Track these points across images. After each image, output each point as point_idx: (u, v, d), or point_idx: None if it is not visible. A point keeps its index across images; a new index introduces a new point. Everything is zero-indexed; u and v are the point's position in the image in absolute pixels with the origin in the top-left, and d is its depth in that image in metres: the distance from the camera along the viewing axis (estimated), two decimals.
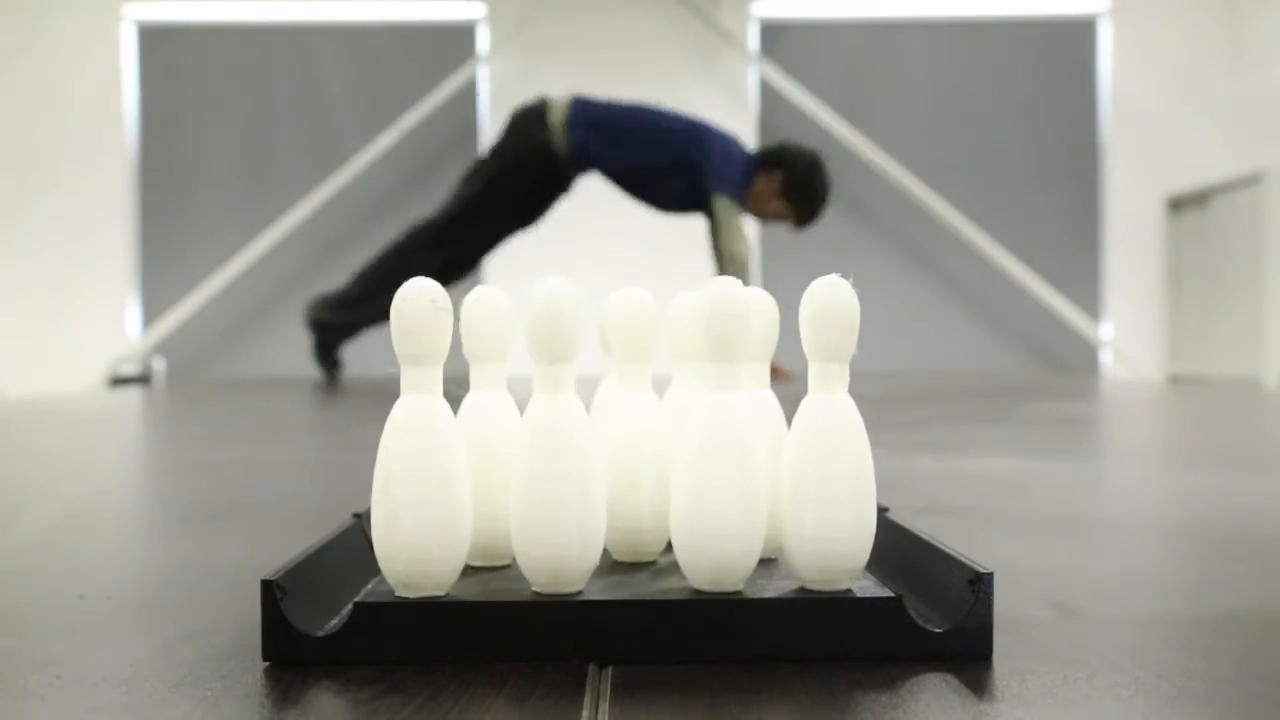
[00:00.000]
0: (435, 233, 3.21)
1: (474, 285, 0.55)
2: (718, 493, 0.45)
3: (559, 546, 0.46)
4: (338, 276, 5.32)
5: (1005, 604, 0.51)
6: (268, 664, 0.44)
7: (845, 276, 0.47)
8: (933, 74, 5.28)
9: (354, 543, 0.54)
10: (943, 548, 0.50)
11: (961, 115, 5.27)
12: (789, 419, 0.50)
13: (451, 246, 3.18)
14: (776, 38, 5.30)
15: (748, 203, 3.10)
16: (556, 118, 3.12)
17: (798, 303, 0.47)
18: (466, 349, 0.53)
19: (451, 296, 0.47)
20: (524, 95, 5.43)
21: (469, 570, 0.51)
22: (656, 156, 3.09)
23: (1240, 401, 2.49)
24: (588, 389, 0.53)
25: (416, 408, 0.46)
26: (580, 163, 3.13)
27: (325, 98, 5.30)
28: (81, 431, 1.83)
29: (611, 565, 0.53)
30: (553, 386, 0.47)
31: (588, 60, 5.25)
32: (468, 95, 5.31)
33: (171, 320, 5.03)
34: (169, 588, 0.63)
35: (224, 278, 5.04)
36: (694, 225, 5.33)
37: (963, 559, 0.47)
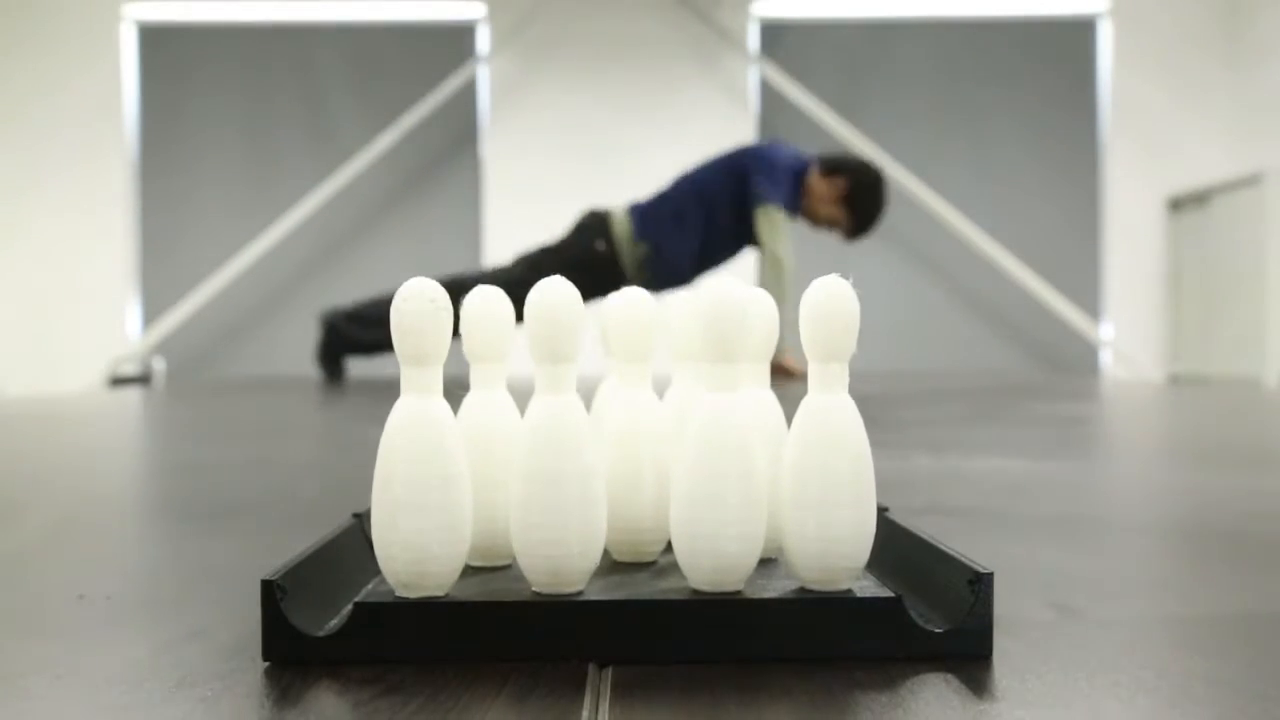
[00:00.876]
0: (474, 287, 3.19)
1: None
2: (718, 493, 0.45)
3: (559, 546, 0.46)
4: (338, 276, 5.35)
5: (1005, 604, 0.51)
6: (268, 664, 0.44)
7: (845, 276, 0.47)
8: (933, 74, 5.28)
9: (354, 543, 0.54)
10: (943, 548, 0.50)
11: (961, 115, 5.27)
12: (789, 419, 0.50)
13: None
14: (776, 38, 5.31)
15: (800, 205, 3.09)
16: (620, 230, 3.09)
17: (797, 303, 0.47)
18: (466, 349, 0.53)
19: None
20: (524, 95, 5.43)
21: (469, 570, 0.51)
22: (716, 208, 3.07)
23: (1240, 401, 2.49)
24: (588, 389, 0.53)
25: (416, 408, 0.46)
26: (653, 266, 3.10)
27: (325, 98, 5.30)
28: (81, 431, 1.83)
29: (611, 565, 0.53)
30: (553, 386, 0.47)
31: (588, 60, 5.25)
32: (468, 95, 5.31)
33: (171, 320, 5.04)
34: (169, 588, 0.63)
35: (224, 278, 5.04)
36: None
37: (963, 559, 0.47)
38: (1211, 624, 0.51)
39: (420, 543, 0.45)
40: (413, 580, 0.45)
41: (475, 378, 0.54)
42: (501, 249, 5.31)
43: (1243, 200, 4.70)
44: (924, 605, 0.49)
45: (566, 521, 0.46)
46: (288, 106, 5.31)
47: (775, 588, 0.47)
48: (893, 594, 0.46)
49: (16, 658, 0.47)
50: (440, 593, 0.46)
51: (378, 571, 0.50)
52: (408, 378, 0.47)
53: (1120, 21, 5.25)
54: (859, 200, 3.07)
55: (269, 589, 0.44)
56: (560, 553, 0.46)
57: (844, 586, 0.47)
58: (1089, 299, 5.23)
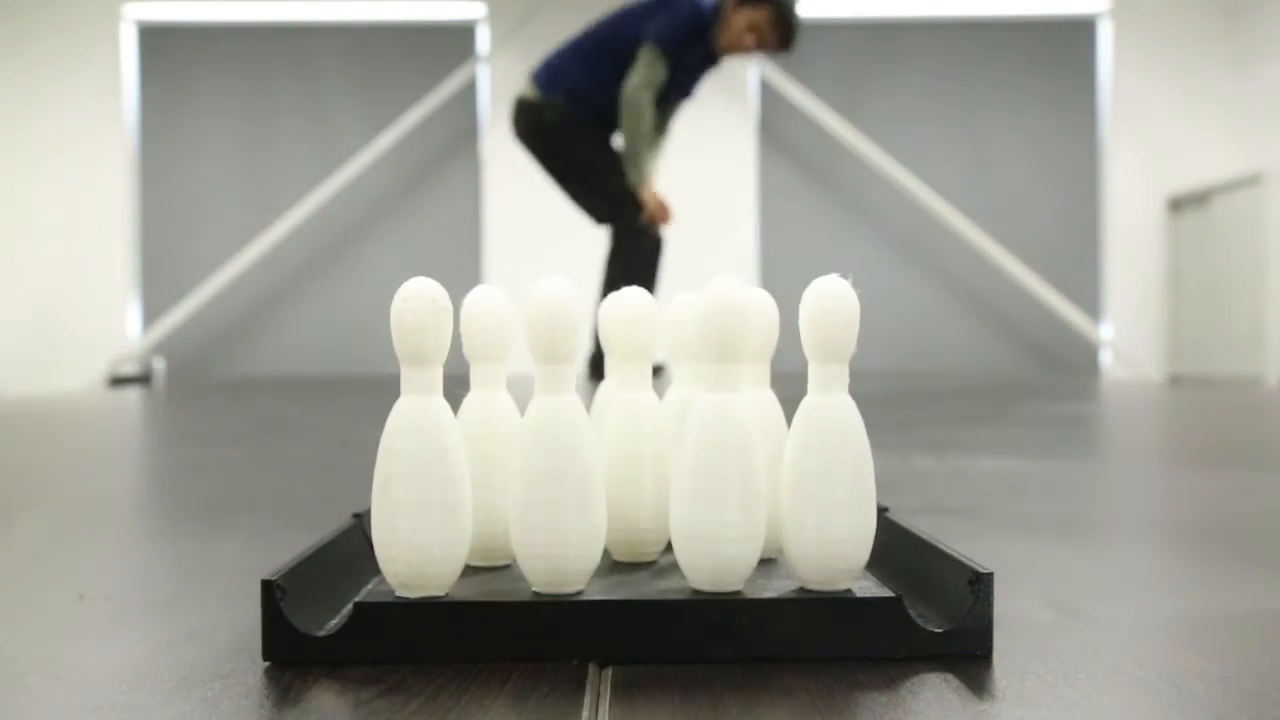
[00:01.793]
0: (618, 238, 3.24)
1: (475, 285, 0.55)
2: (717, 493, 0.45)
3: (559, 546, 0.46)
4: (338, 276, 5.35)
5: (1005, 604, 0.51)
6: (268, 664, 0.44)
7: (845, 276, 0.47)
8: (933, 74, 5.28)
9: (354, 543, 0.54)
10: (943, 548, 0.50)
11: (961, 115, 5.27)
12: (789, 419, 0.50)
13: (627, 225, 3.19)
14: None
15: (718, 41, 3.12)
16: (532, 96, 3.17)
17: (798, 303, 0.47)
18: (466, 349, 0.53)
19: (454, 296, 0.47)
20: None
21: (469, 570, 0.51)
22: (619, 46, 3.11)
23: (1240, 401, 2.49)
24: (587, 389, 0.53)
25: (416, 408, 0.46)
26: (577, 109, 3.15)
27: (325, 98, 5.30)
28: (81, 431, 1.83)
29: (611, 565, 0.53)
30: (553, 386, 0.47)
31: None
32: (468, 95, 5.31)
33: (171, 320, 5.04)
34: (169, 588, 0.63)
35: (224, 278, 5.04)
36: (694, 229, 5.32)
37: (963, 559, 0.47)
38: (1211, 624, 0.51)
39: (420, 543, 0.45)
40: (413, 580, 0.45)
41: (475, 378, 0.54)
42: (502, 249, 5.31)
43: (1243, 200, 4.70)
44: (924, 605, 0.49)
45: (566, 522, 0.46)
46: (288, 106, 5.31)
47: (775, 588, 0.47)
48: (893, 594, 0.46)
49: (16, 658, 0.47)
50: (440, 593, 0.46)
51: (378, 571, 0.50)
52: (408, 378, 0.47)
53: (1120, 21, 5.25)
54: (780, 11, 3.14)
55: (269, 589, 0.44)
56: (560, 553, 0.46)
57: (844, 586, 0.47)
58: (1089, 299, 5.23)
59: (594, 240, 4.84)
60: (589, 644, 0.44)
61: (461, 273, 5.10)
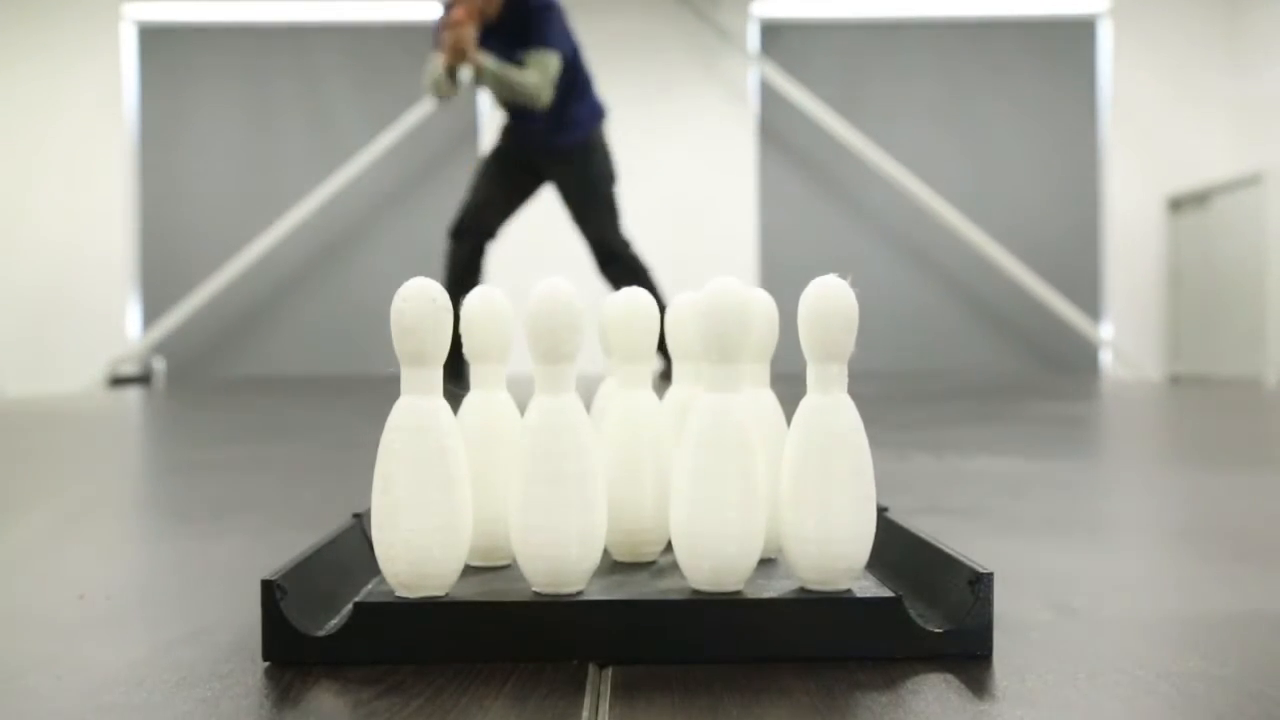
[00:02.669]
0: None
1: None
2: (717, 493, 0.45)
3: (559, 547, 0.46)
4: (338, 276, 5.35)
5: (1005, 604, 0.51)
6: (268, 664, 0.44)
7: (844, 276, 0.47)
8: (933, 74, 5.28)
9: (354, 543, 0.54)
10: (943, 548, 0.50)
11: (961, 115, 5.27)
12: (789, 419, 0.50)
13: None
14: (776, 37, 5.30)
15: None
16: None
17: (797, 303, 0.47)
18: (466, 349, 0.53)
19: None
20: None
21: (469, 570, 0.51)
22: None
23: (1240, 401, 2.49)
24: (588, 389, 0.53)
25: (416, 408, 0.46)
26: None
27: (325, 98, 5.30)
28: (81, 431, 1.83)
29: (611, 565, 0.53)
30: (553, 386, 0.47)
31: (587, 60, 5.24)
32: (468, 95, 5.31)
33: (171, 320, 5.04)
34: (169, 588, 0.63)
35: (224, 277, 5.04)
36: (694, 229, 5.31)
37: (963, 559, 0.47)
38: (1211, 624, 0.51)
39: (421, 543, 0.45)
40: (413, 580, 0.45)
41: (475, 378, 0.54)
42: (501, 249, 5.31)
43: (1243, 200, 4.70)
44: (924, 605, 0.49)
45: (566, 522, 0.46)
46: (288, 107, 5.31)
47: (775, 588, 0.47)
48: (893, 594, 0.46)
49: (17, 657, 0.47)
50: (440, 593, 0.46)
51: (378, 571, 0.50)
52: (408, 378, 0.47)
53: (1120, 21, 5.25)
54: None
55: (269, 589, 0.44)
56: (560, 553, 0.46)
57: (844, 586, 0.47)
58: (1089, 299, 5.23)
59: None
60: (589, 644, 0.44)
61: None
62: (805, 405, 0.47)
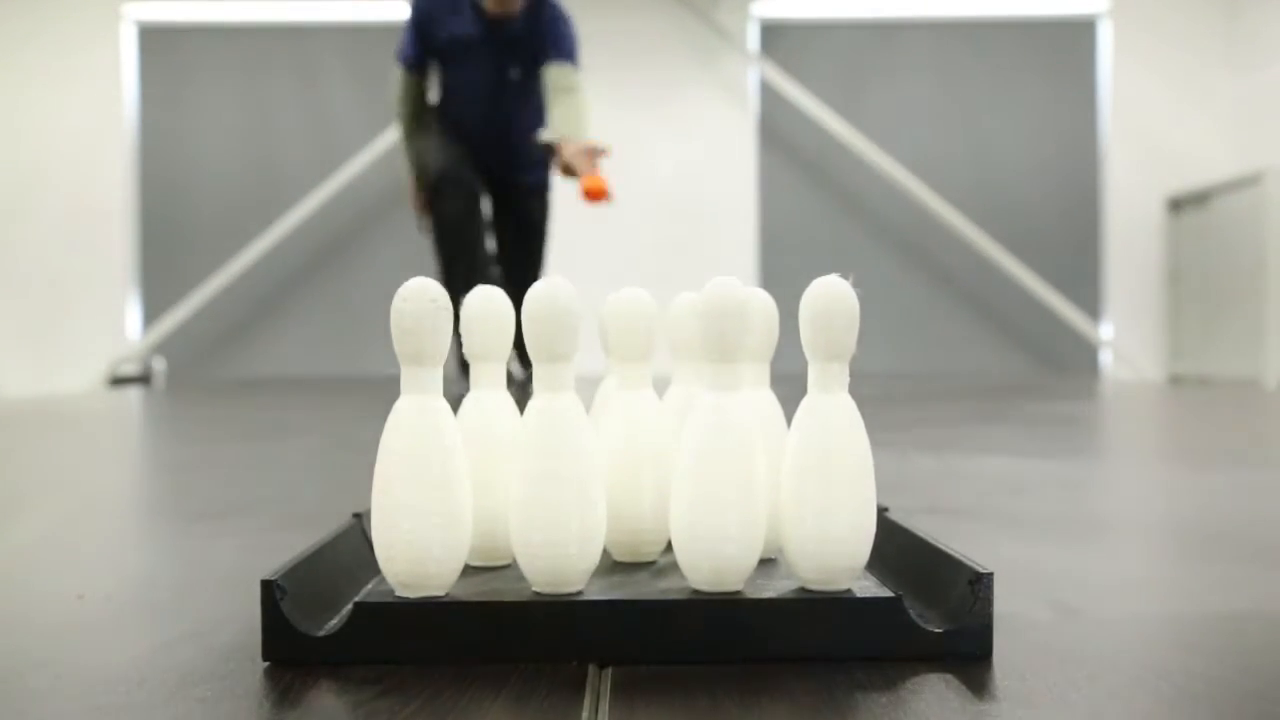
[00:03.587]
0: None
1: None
2: (717, 493, 0.45)
3: (559, 546, 0.46)
4: (338, 276, 5.35)
5: (1005, 604, 0.51)
6: (268, 664, 0.44)
7: (845, 276, 0.47)
8: (933, 74, 5.27)
9: (354, 543, 0.54)
10: (943, 548, 0.50)
11: (961, 115, 5.27)
12: (789, 419, 0.50)
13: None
14: (776, 37, 5.30)
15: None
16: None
17: (797, 303, 0.47)
18: (466, 349, 0.53)
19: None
20: None
21: (469, 570, 0.51)
22: None
23: (1240, 401, 2.49)
24: (588, 389, 0.53)
25: (416, 408, 0.46)
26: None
27: (325, 98, 5.30)
28: (81, 431, 1.83)
29: (611, 565, 0.53)
30: (552, 386, 0.47)
31: (587, 60, 5.24)
32: None
33: (171, 320, 5.04)
34: (169, 588, 0.63)
35: (224, 278, 5.04)
36: (694, 229, 5.31)
37: (963, 559, 0.47)
38: (1211, 624, 0.51)
39: (420, 543, 0.45)
40: (413, 580, 0.45)
41: (475, 378, 0.54)
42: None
43: (1243, 200, 4.70)
44: (924, 605, 0.49)
45: (566, 522, 0.46)
46: (288, 106, 5.30)
47: (775, 588, 0.47)
48: (893, 594, 0.46)
49: (16, 658, 0.47)
50: (440, 593, 0.46)
51: (378, 571, 0.50)
52: (408, 378, 0.47)
53: (1120, 21, 5.25)
54: None
55: (269, 589, 0.44)
56: (560, 553, 0.46)
57: (844, 586, 0.47)
58: (1089, 299, 5.23)
59: (593, 240, 4.85)
60: (589, 644, 0.44)
61: None
62: (806, 404, 0.47)
